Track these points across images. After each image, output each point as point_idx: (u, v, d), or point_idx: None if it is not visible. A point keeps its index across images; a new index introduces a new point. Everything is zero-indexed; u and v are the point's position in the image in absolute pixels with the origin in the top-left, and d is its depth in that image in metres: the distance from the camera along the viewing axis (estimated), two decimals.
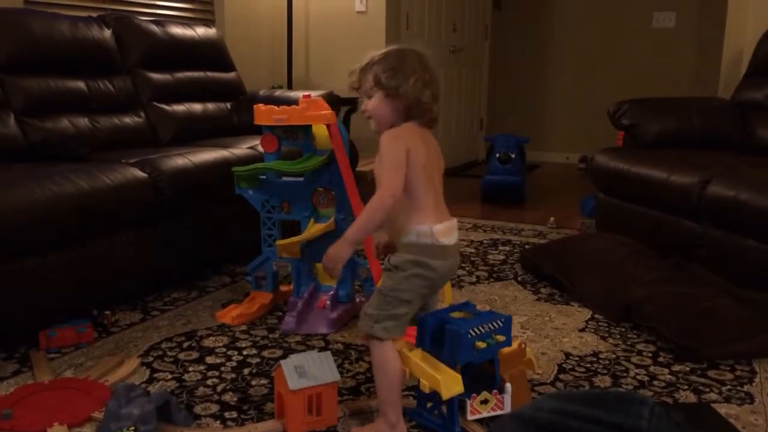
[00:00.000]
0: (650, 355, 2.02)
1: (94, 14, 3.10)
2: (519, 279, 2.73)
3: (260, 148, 2.35)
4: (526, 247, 3.12)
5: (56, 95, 2.70)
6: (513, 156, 4.27)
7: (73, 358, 1.93)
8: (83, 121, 2.75)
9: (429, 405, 1.58)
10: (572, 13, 6.00)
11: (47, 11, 2.84)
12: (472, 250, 3.14)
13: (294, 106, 2.19)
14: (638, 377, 1.87)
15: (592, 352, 2.03)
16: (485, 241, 3.31)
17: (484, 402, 1.55)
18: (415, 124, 1.57)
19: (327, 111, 2.16)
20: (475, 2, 5.71)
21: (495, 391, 1.56)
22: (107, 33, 3.00)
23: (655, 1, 5.64)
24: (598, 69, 5.94)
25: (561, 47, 6.10)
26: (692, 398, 1.75)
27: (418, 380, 1.54)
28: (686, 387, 1.81)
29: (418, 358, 1.54)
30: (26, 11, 2.76)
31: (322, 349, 1.98)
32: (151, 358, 1.93)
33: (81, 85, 2.81)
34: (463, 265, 2.90)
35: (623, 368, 1.93)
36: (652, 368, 1.93)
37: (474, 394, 1.54)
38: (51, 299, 2.01)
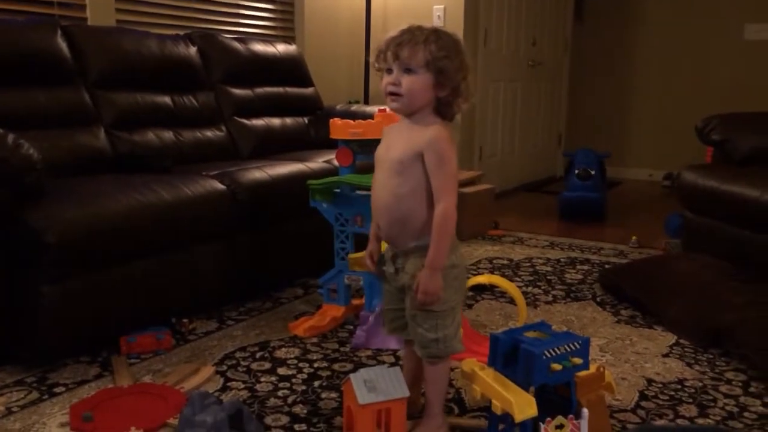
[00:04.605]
0: (740, 384, 1.90)
1: (182, 32, 3.22)
2: (598, 299, 2.63)
3: (335, 162, 2.37)
4: (606, 266, 3.01)
5: (144, 110, 2.82)
6: (593, 172, 4.15)
7: (151, 364, 1.98)
8: (168, 135, 2.86)
9: (501, 427, 1.53)
10: (657, 24, 5.79)
11: (137, 29, 2.97)
12: (549, 269, 3.06)
13: (369, 121, 2.20)
14: (727, 408, 1.76)
15: (676, 379, 1.92)
16: (562, 260, 3.22)
17: (559, 427, 1.48)
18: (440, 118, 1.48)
19: None
20: (556, 15, 5.62)
21: (571, 416, 1.50)
22: (193, 50, 3.12)
23: (747, 12, 5.38)
24: (684, 82, 5.71)
25: (645, 59, 5.90)
26: None
27: (490, 401, 1.49)
28: None
29: (490, 378, 1.50)
30: (118, 29, 2.89)
31: (392, 365, 1.96)
32: (225, 367, 1.96)
33: (167, 100, 2.93)
34: (538, 283, 2.82)
35: (711, 398, 1.81)
36: (742, 399, 1.81)
37: (548, 418, 1.47)
38: (132, 306, 2.08)
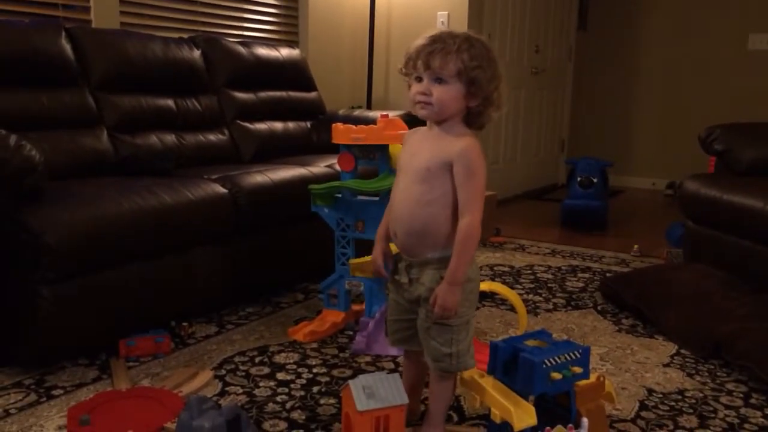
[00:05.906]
0: (741, 395, 1.89)
1: (185, 35, 3.23)
2: (599, 308, 2.62)
3: (337, 167, 2.37)
4: (608, 275, 3.00)
5: (146, 112, 2.81)
6: (595, 180, 4.14)
7: (150, 367, 1.98)
8: (170, 138, 2.85)
9: None
10: (661, 34, 5.80)
11: (141, 32, 2.97)
12: (550, 276, 3.05)
13: (372, 126, 2.20)
14: (728, 419, 1.75)
15: (677, 390, 1.91)
16: (563, 267, 3.21)
17: None
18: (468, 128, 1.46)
19: (404, 131, 2.15)
20: (560, 23, 5.62)
21: (570, 425, 1.49)
22: (197, 54, 3.12)
23: (751, 22, 5.38)
24: (688, 92, 5.71)
25: (649, 68, 5.90)
26: None
27: (489, 409, 1.49)
28: None
29: (489, 386, 1.49)
30: (122, 32, 2.89)
31: (391, 371, 1.95)
32: (223, 371, 1.95)
33: (170, 103, 2.93)
34: (539, 291, 2.81)
35: (711, 408, 1.80)
36: (743, 410, 1.80)
37: (548, 428, 1.47)
38: (132, 309, 2.08)
